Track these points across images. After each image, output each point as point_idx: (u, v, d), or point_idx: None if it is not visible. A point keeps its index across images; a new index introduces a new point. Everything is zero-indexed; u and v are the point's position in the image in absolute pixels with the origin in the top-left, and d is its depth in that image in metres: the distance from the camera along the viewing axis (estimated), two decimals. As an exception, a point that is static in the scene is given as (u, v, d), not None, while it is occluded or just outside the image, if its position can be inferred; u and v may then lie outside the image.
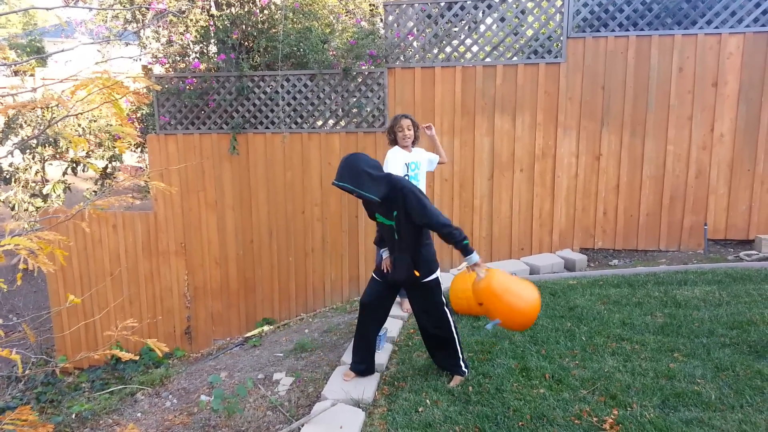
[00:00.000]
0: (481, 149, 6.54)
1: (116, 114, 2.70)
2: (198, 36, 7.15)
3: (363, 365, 3.70)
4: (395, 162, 4.37)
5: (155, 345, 2.80)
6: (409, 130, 4.40)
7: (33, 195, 9.15)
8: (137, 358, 2.75)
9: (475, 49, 6.58)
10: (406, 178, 4.27)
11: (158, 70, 7.36)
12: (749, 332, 3.94)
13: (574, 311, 4.63)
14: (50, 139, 9.00)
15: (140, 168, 13.12)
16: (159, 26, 7.36)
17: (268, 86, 6.79)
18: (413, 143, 4.49)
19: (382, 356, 3.95)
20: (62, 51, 3.09)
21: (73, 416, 4.80)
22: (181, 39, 7.25)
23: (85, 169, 10.06)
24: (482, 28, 6.65)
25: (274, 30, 7.05)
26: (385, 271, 3.56)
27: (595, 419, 3.01)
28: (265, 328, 6.50)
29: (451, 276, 6.04)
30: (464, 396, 3.38)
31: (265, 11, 7.20)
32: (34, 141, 8.75)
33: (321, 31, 7.40)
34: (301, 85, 6.72)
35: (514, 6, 6.44)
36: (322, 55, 6.80)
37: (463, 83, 6.47)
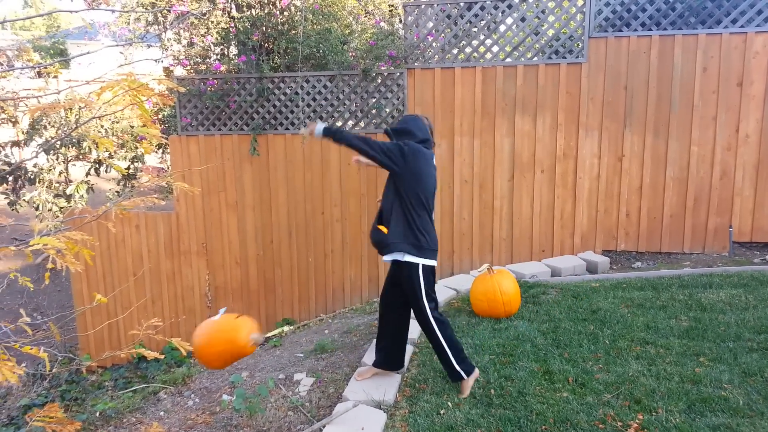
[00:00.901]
0: (501, 150, 6.50)
1: (141, 116, 2.74)
2: (219, 38, 7.21)
3: (381, 354, 3.70)
4: None
5: (179, 344, 2.83)
6: None
7: (57, 195, 9.29)
8: (162, 356, 2.78)
9: (495, 49, 6.55)
10: None
11: (180, 71, 7.44)
12: (777, 337, 3.87)
13: (597, 314, 4.58)
14: (74, 140, 9.13)
15: (162, 169, 13.26)
16: (180, 28, 7.44)
17: (288, 87, 6.83)
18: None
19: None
20: (86, 53, 3.14)
21: (97, 414, 4.87)
22: (202, 41, 7.32)
23: (108, 170, 10.19)
24: (502, 28, 6.61)
25: (294, 31, 7.08)
26: None
27: (619, 423, 2.98)
28: (286, 328, 6.53)
29: (471, 277, 6.02)
30: (486, 399, 3.36)
31: (285, 13, 7.23)
32: (58, 142, 8.89)
33: (340, 32, 7.41)
34: (320, 86, 6.74)
35: (535, 6, 6.40)
36: (342, 56, 6.82)
37: (484, 84, 6.44)
